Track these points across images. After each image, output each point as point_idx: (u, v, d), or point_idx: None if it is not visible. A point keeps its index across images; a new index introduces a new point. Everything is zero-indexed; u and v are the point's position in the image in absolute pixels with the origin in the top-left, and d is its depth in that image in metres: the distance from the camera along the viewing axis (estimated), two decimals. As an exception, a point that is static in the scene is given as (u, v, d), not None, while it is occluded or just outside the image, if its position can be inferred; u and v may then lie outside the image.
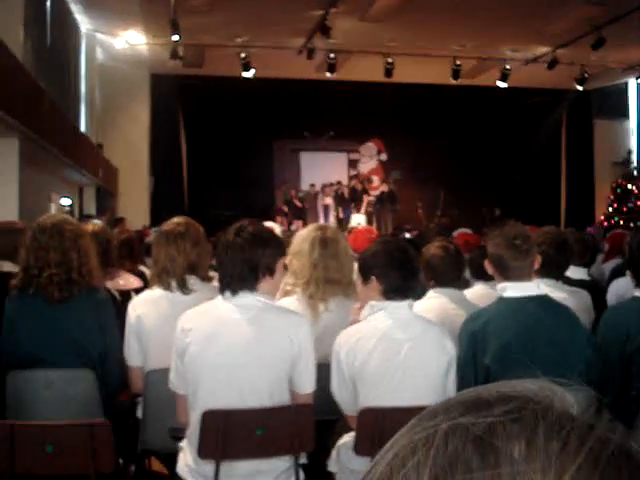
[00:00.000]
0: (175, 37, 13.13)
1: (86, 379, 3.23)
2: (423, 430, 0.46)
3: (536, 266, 3.03)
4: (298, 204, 19.51)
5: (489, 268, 3.07)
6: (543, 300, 2.97)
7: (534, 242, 3.04)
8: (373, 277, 2.90)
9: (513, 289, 2.96)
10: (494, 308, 3.01)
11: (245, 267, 2.75)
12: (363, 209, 19.16)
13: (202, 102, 18.23)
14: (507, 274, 2.98)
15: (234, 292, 2.76)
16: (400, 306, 2.88)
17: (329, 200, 19.99)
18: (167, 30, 12.84)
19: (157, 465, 4.19)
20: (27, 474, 2.76)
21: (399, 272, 2.88)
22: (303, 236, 3.71)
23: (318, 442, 2.85)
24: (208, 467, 2.71)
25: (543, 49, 15.67)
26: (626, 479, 0.43)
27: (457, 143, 19.56)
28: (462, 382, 2.87)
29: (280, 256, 2.91)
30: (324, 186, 20.17)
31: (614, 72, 17.62)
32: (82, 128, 14.77)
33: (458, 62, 16.12)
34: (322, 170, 20.46)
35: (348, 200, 19.66)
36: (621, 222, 16.60)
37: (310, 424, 2.75)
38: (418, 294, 3.55)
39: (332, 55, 15.36)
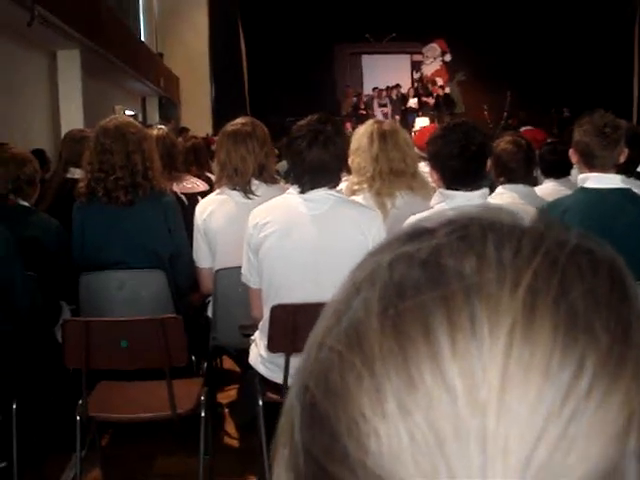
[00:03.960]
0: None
1: (157, 279, 3.28)
2: (365, 269, 0.43)
3: (622, 159, 2.91)
4: (362, 112, 19.19)
5: (573, 156, 2.97)
6: (626, 193, 2.88)
7: (623, 134, 2.90)
8: (436, 165, 2.79)
9: (595, 180, 2.86)
10: (574, 198, 2.92)
11: (333, 160, 2.70)
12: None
13: (261, 6, 17.89)
14: (592, 163, 2.87)
15: (311, 187, 2.72)
16: (471, 196, 2.74)
17: (388, 105, 19.56)
18: None
19: (228, 363, 4.31)
20: (102, 369, 2.85)
21: (460, 159, 2.71)
22: (360, 132, 3.65)
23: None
24: (280, 358, 2.74)
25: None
26: (589, 276, 0.39)
27: (524, 42, 18.83)
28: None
29: None
30: (381, 90, 19.69)
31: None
32: (142, 37, 14.71)
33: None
34: (385, 73, 20.02)
35: (408, 104, 19.17)
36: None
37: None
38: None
39: (393, -48, 14.82)
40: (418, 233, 0.44)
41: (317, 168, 2.69)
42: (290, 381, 2.68)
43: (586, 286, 0.39)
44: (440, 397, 0.37)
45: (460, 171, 2.72)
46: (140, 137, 3.37)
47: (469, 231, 0.42)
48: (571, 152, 3.00)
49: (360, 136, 3.61)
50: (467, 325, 0.37)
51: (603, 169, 2.88)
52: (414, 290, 0.39)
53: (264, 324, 2.79)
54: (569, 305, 0.38)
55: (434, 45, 20.49)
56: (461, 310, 0.38)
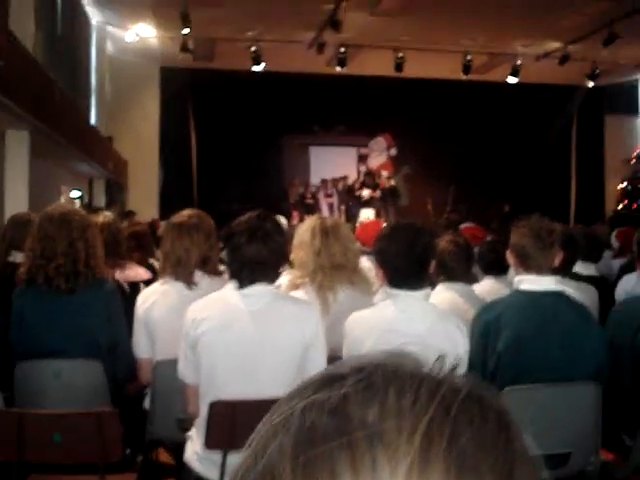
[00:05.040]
0: (186, 30, 13.12)
1: (94, 369, 3.22)
2: (281, 414, 0.48)
3: (556, 262, 3.01)
4: (309, 201, 19.38)
5: (510, 258, 3.06)
6: (560, 296, 2.96)
7: (558, 238, 3.02)
8: (382, 264, 2.84)
9: (530, 282, 2.95)
10: (509, 300, 3.00)
11: (271, 256, 2.72)
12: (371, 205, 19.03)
13: (212, 96, 18.20)
14: (528, 264, 2.96)
15: (250, 282, 2.74)
16: (414, 295, 2.78)
17: (334, 195, 19.83)
18: (178, 23, 12.84)
19: (164, 456, 4.20)
20: (35, 463, 2.77)
21: (406, 259, 2.76)
22: (304, 228, 3.74)
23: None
24: (217, 455, 2.70)
25: (555, 44, 15.60)
26: (478, 422, 0.45)
27: (467, 139, 19.46)
28: (470, 371, 2.83)
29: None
30: (327, 181, 19.96)
31: (626, 68, 17.51)
32: (92, 121, 14.79)
33: (469, 57, 16.05)
34: (332, 165, 20.38)
35: (354, 195, 19.46)
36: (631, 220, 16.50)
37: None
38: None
39: (342, 49, 15.32)
40: (330, 380, 0.49)
41: (256, 263, 2.71)
42: (226, 479, 2.64)
43: (475, 431, 0.44)
44: None
45: (405, 270, 2.77)
46: (84, 225, 3.37)
47: (374, 380, 0.47)
48: (508, 254, 3.10)
49: (303, 231, 3.69)
50: (369, 470, 0.42)
51: (538, 271, 2.96)
52: (323, 438, 0.44)
53: (200, 420, 2.76)
54: (460, 449, 0.43)
55: (380, 139, 21.01)
56: (364, 456, 0.43)
